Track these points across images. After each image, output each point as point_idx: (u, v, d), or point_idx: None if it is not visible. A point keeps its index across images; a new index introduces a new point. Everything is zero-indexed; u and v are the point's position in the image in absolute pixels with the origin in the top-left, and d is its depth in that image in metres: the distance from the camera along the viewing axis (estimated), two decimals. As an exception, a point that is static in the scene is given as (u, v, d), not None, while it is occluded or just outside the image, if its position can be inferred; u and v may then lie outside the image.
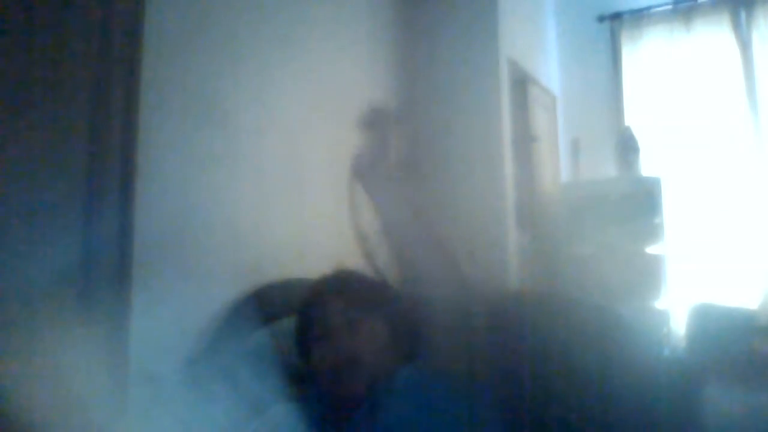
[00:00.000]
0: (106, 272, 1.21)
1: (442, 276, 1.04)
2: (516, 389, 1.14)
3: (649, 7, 3.54)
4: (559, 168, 3.46)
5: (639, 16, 3.57)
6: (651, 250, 3.10)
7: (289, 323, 1.61)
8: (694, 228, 3.30)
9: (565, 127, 3.59)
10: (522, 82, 2.92)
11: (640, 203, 3.10)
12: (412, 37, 2.78)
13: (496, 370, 1.10)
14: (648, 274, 3.04)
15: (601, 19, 3.66)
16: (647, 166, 3.34)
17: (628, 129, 3.36)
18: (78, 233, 1.17)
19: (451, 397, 0.96)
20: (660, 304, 3.05)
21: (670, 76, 3.44)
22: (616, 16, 3.61)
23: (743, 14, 3.29)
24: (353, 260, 2.25)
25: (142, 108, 1.33)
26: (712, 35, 3.36)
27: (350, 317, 1.07)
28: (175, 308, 1.42)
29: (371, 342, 1.06)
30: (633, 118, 3.50)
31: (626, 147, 3.28)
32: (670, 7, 3.48)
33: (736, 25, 3.30)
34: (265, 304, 1.64)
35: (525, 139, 2.84)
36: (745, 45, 3.27)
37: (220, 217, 1.65)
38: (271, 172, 1.87)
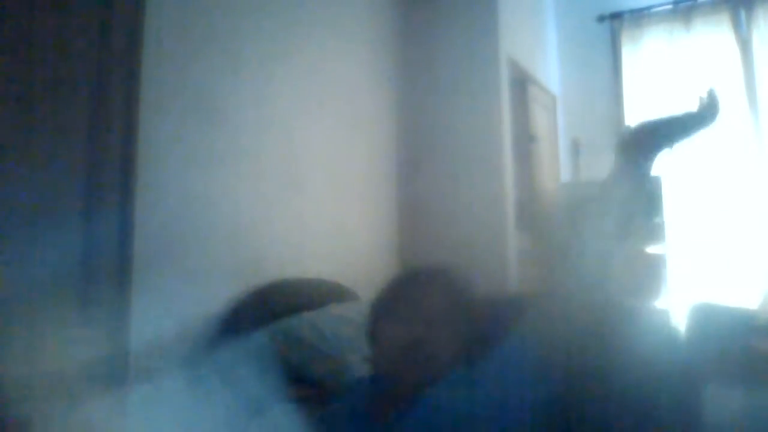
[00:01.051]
0: (106, 272, 1.21)
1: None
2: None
3: (649, 7, 3.54)
4: (559, 168, 3.46)
5: (639, 16, 3.56)
6: (651, 249, 3.10)
7: (288, 323, 1.61)
8: (694, 228, 3.29)
9: (565, 127, 3.59)
10: (522, 82, 2.92)
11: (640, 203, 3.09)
12: (412, 37, 2.78)
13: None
14: (648, 274, 3.04)
15: (601, 19, 3.66)
16: (647, 165, 3.33)
17: (628, 128, 3.36)
18: (78, 233, 1.17)
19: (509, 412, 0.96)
20: (660, 303, 3.05)
21: (670, 76, 3.43)
22: (616, 16, 3.61)
23: (743, 14, 3.29)
24: (352, 260, 2.24)
25: (142, 108, 1.33)
26: (712, 35, 3.35)
27: (428, 305, 1.06)
28: (175, 308, 1.42)
29: (440, 331, 1.06)
30: (633, 117, 3.50)
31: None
32: (670, 6, 3.47)
33: (736, 25, 3.30)
34: (265, 304, 1.64)
35: (525, 139, 2.84)
36: (745, 45, 3.26)
37: (220, 217, 1.64)
38: (271, 171, 1.87)
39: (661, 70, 3.47)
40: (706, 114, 0.95)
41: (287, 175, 1.94)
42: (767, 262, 3.10)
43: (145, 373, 1.26)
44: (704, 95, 0.94)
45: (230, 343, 1.44)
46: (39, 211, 1.10)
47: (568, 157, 3.55)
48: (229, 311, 1.57)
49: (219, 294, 1.57)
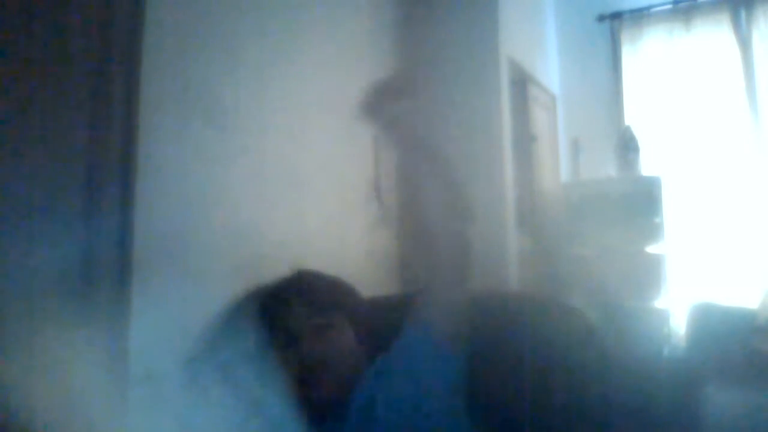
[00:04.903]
0: (106, 272, 1.21)
1: (449, 213, 1.09)
2: (513, 388, 1.14)
3: (649, 7, 3.54)
4: (559, 168, 3.46)
5: (639, 16, 3.57)
6: (651, 249, 3.10)
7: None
8: (694, 227, 3.30)
9: (565, 127, 3.59)
10: (522, 82, 2.92)
11: (640, 203, 3.10)
12: (412, 36, 2.78)
13: (490, 370, 1.10)
14: (648, 273, 3.04)
15: (601, 18, 3.66)
16: (647, 165, 3.34)
17: (628, 129, 3.36)
18: (78, 233, 1.17)
19: (427, 392, 0.97)
20: (660, 303, 3.05)
21: (670, 76, 3.44)
22: (616, 16, 3.61)
23: (743, 13, 3.29)
24: (353, 259, 2.24)
25: (142, 107, 1.33)
26: (712, 35, 3.36)
27: (315, 321, 1.07)
28: (175, 308, 1.41)
29: (338, 345, 1.07)
30: (633, 117, 3.50)
31: (626, 147, 3.28)
32: (670, 6, 3.48)
33: (736, 25, 3.30)
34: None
35: (525, 139, 2.84)
36: (745, 44, 3.27)
37: (220, 216, 1.64)
38: (271, 171, 1.87)
39: (661, 69, 3.47)
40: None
41: (287, 175, 1.94)
42: (767, 262, 3.10)
43: (145, 373, 1.26)
44: None
45: (230, 342, 1.45)
46: (38, 211, 1.10)
47: (568, 157, 3.55)
48: (230, 310, 1.57)
49: (219, 294, 1.57)
